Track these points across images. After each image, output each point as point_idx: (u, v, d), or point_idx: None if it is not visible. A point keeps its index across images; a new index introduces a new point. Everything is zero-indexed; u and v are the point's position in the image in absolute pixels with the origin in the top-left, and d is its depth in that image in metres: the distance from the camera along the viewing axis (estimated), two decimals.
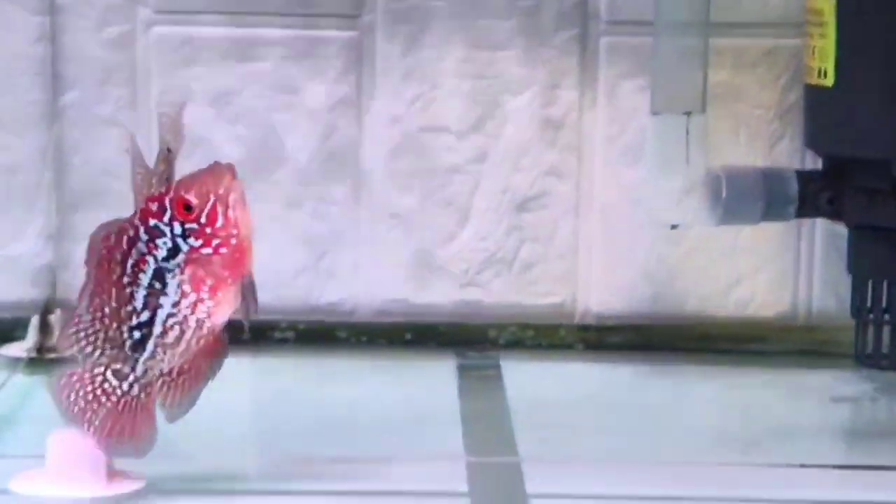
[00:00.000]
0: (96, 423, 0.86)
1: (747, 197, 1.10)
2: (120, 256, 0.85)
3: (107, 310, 0.85)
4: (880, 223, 1.10)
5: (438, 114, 1.22)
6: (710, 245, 1.23)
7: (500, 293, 1.23)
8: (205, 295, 0.84)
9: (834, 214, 1.12)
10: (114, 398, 0.86)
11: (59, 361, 1.15)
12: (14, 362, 1.15)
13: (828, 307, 1.24)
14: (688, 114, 1.11)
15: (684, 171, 1.11)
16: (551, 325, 1.24)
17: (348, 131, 1.22)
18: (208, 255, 0.83)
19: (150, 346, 0.85)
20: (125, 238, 0.85)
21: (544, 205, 1.23)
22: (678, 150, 1.11)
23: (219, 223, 0.83)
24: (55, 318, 1.18)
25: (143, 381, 0.86)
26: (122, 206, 1.21)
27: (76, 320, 0.85)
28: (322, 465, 0.94)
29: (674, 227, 1.16)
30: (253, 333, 1.22)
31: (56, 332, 1.17)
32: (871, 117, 1.08)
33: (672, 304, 1.24)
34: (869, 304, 1.14)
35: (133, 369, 0.86)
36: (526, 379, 1.16)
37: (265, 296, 1.21)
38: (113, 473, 0.88)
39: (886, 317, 1.13)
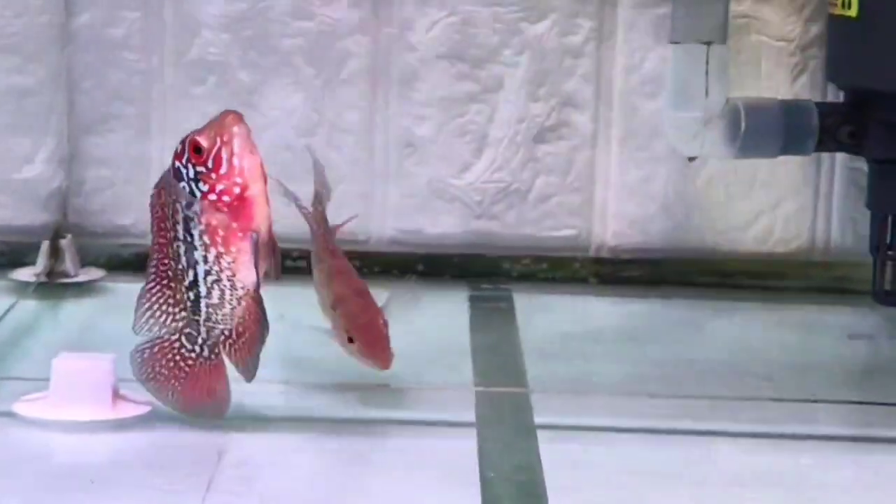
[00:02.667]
0: (179, 389, 0.86)
1: (767, 130, 1.08)
2: (166, 210, 0.85)
3: (170, 273, 0.85)
4: None
5: (455, 41, 1.20)
6: (729, 179, 1.22)
7: (515, 225, 1.22)
8: (221, 248, 0.83)
9: (854, 148, 1.10)
10: (191, 362, 0.86)
11: (69, 287, 1.15)
12: (24, 286, 1.14)
13: (846, 243, 1.22)
14: (708, 44, 1.08)
15: (703, 102, 1.09)
16: (565, 258, 1.23)
17: (363, 58, 1.20)
18: (214, 202, 0.82)
19: (203, 307, 0.85)
20: (165, 186, 0.85)
21: (561, 136, 1.21)
22: (697, 81, 1.09)
23: (223, 169, 0.82)
24: (65, 243, 1.17)
25: (209, 342, 0.86)
26: (133, 130, 1.21)
27: (147, 295, 0.85)
28: (330, 394, 0.94)
29: (692, 159, 1.14)
30: None
31: (67, 259, 1.16)
32: (894, 51, 1.05)
33: (689, 239, 1.22)
34: (888, 240, 1.12)
35: (199, 332, 0.85)
36: (538, 312, 1.15)
37: (277, 225, 1.21)
38: (118, 398, 0.87)
39: None
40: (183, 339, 0.86)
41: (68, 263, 1.17)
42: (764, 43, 1.20)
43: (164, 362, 0.86)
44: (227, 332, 0.86)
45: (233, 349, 0.86)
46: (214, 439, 0.85)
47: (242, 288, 0.84)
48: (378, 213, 1.22)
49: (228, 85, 1.20)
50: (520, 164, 1.22)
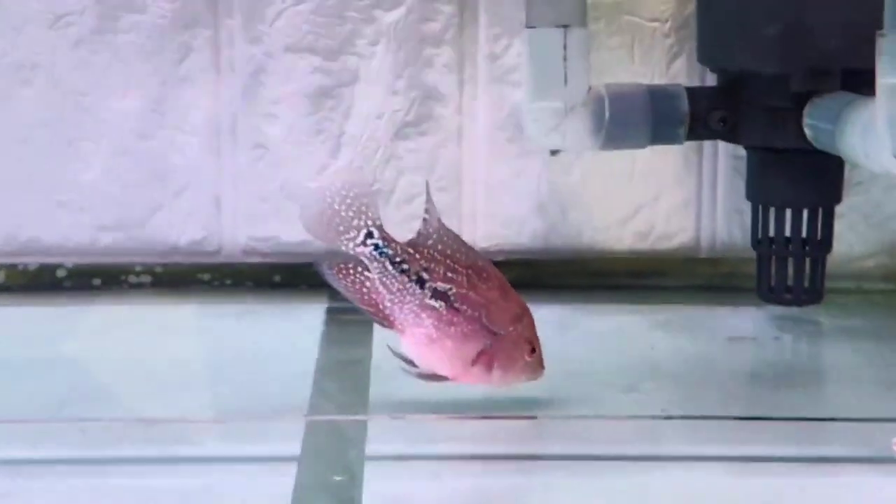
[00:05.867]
0: None
1: (633, 118, 1.00)
2: None
3: None
4: (780, 144, 1.00)
5: (304, 31, 1.11)
6: (606, 172, 1.13)
7: None
8: None
9: (728, 135, 1.02)
10: None
11: None
12: None
13: (733, 237, 1.14)
14: (565, 27, 1.00)
15: (563, 91, 1.00)
16: None
17: (205, 53, 1.11)
18: None
19: None
20: None
21: (424, 131, 1.13)
22: (556, 69, 1.00)
23: None
24: None
25: None
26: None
27: None
28: (135, 429, 0.85)
29: (554, 152, 1.06)
30: (104, 279, 1.13)
31: None
32: (767, 28, 0.97)
33: (565, 238, 1.14)
34: (771, 234, 1.04)
35: None
36: None
37: (117, 236, 1.13)
38: None
39: (790, 248, 1.03)
40: None
41: None
42: (636, 24, 1.11)
43: None
44: None
45: None
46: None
47: None
48: (229, 221, 1.14)
49: (58, 87, 1.11)
50: (381, 162, 1.13)
